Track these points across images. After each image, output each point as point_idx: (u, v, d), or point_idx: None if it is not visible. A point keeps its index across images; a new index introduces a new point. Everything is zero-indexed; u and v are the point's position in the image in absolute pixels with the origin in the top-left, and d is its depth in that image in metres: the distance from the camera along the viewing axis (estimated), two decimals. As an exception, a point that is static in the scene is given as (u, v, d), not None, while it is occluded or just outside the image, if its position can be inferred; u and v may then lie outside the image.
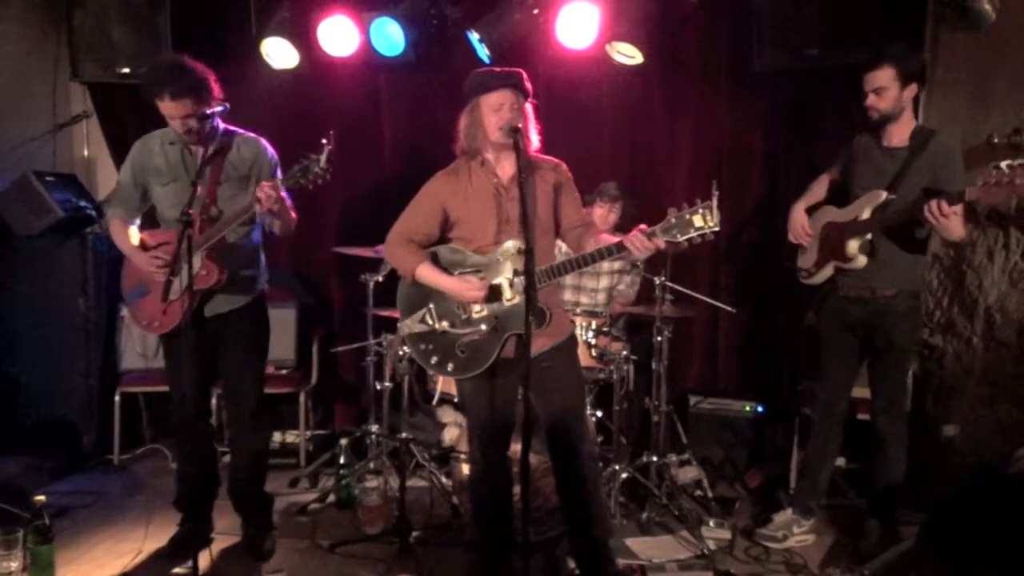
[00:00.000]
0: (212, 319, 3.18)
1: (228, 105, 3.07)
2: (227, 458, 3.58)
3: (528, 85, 2.75)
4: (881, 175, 3.17)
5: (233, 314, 3.23)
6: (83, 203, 4.46)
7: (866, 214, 3.15)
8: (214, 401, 3.95)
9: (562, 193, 2.86)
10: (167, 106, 2.95)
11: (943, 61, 4.01)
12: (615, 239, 2.67)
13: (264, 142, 3.27)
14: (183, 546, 3.16)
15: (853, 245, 3.17)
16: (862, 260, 3.18)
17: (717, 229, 2.47)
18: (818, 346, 3.48)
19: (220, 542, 3.34)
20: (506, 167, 2.80)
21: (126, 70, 4.43)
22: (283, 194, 2.97)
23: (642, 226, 2.56)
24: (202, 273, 3.04)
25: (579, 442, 2.84)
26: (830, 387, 3.44)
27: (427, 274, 2.78)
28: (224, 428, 4.18)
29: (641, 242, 2.54)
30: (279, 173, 3.24)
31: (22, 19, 4.62)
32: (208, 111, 2.98)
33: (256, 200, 2.92)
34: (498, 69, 2.75)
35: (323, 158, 2.88)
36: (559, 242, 3.03)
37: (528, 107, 2.76)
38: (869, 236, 3.15)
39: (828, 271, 3.33)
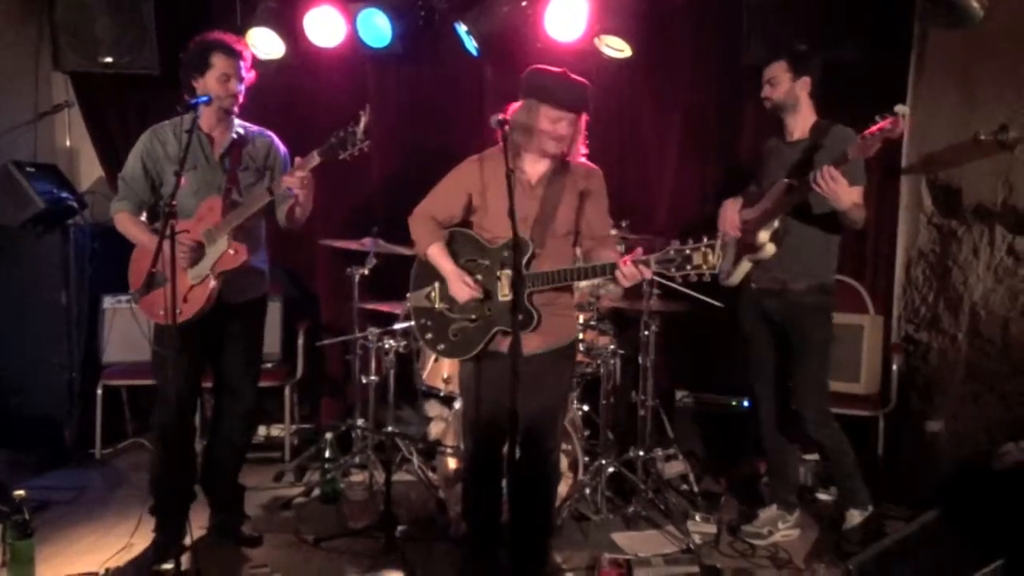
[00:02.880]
0: (225, 310, 3.15)
1: (211, 96, 3.06)
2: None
3: (590, 98, 2.71)
4: (785, 166, 3.27)
5: (247, 306, 3.24)
6: (65, 194, 4.39)
7: (771, 202, 3.24)
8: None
9: (587, 200, 2.81)
10: (224, 64, 3.05)
11: (931, 58, 4.02)
12: (612, 259, 2.61)
13: (275, 137, 3.34)
14: (164, 552, 3.07)
15: (763, 234, 3.25)
16: (771, 248, 3.24)
17: (716, 272, 2.40)
18: (744, 344, 3.53)
19: (201, 539, 3.30)
20: (538, 167, 2.79)
21: (109, 59, 4.38)
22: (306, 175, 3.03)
23: (638, 249, 2.52)
24: (230, 253, 3.05)
25: (549, 448, 2.86)
26: (763, 381, 3.50)
27: (436, 255, 2.82)
28: (204, 423, 4.16)
29: (631, 271, 2.50)
30: (288, 168, 3.27)
31: (2, 8, 4.55)
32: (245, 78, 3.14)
33: (282, 184, 3.01)
34: (567, 82, 2.67)
35: (360, 128, 2.91)
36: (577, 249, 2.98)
37: (583, 119, 2.74)
38: (776, 224, 3.23)
39: (744, 267, 3.39)
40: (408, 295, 2.99)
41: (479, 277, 2.78)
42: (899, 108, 2.78)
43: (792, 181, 3.18)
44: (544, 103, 2.65)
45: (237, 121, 3.24)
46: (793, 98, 3.27)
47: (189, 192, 3.09)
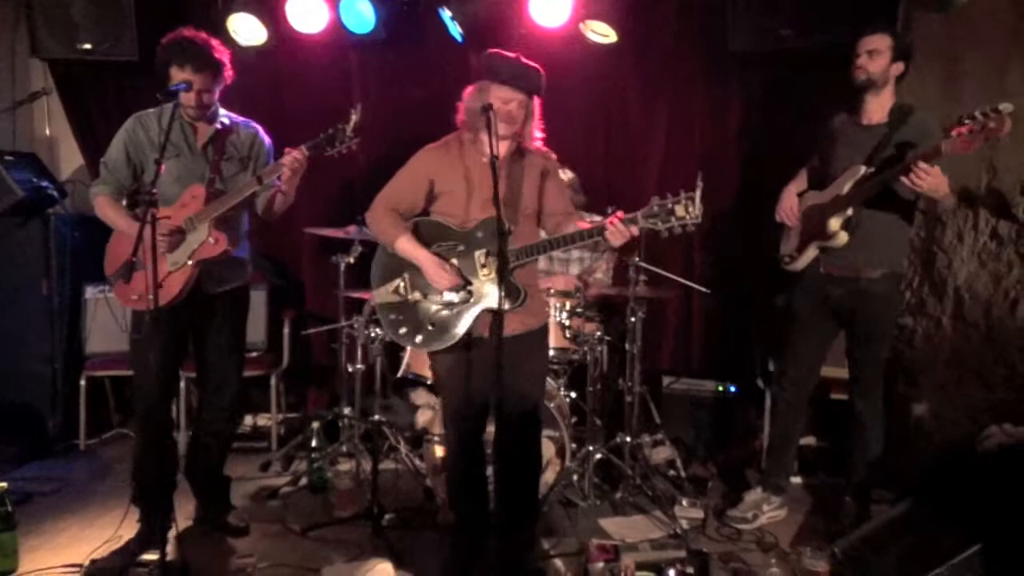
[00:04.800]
0: (204, 299, 3.13)
1: (192, 82, 3.00)
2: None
3: (543, 83, 2.74)
4: (860, 152, 3.17)
5: (227, 296, 3.22)
6: (44, 183, 4.34)
7: (846, 189, 3.14)
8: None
9: (548, 180, 2.88)
10: (181, 76, 2.96)
11: (916, 43, 4.01)
12: (592, 224, 2.71)
13: (260, 129, 3.29)
14: (147, 542, 3.09)
15: (835, 222, 3.17)
16: (843, 236, 3.17)
17: (698, 221, 2.48)
18: (787, 324, 3.48)
19: (187, 529, 3.30)
20: (500, 149, 2.76)
21: (87, 46, 4.32)
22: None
23: (619, 212, 2.59)
24: (210, 242, 3.02)
25: (532, 432, 2.89)
26: (800, 365, 3.46)
27: (407, 247, 2.79)
28: (189, 413, 4.15)
29: (619, 228, 2.56)
30: (272, 160, 3.25)
31: (-22, -7, 4.49)
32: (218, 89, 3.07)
33: (283, 166, 2.97)
34: (519, 64, 2.70)
35: (351, 126, 2.90)
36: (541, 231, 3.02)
37: (536, 103, 2.77)
38: (850, 212, 3.15)
39: (811, 253, 3.32)
40: (372, 293, 2.94)
41: (454, 262, 2.78)
42: (1004, 106, 2.67)
43: (871, 169, 3.09)
44: (494, 83, 2.69)
45: (222, 111, 3.20)
46: (885, 78, 3.13)
47: (171, 180, 3.08)
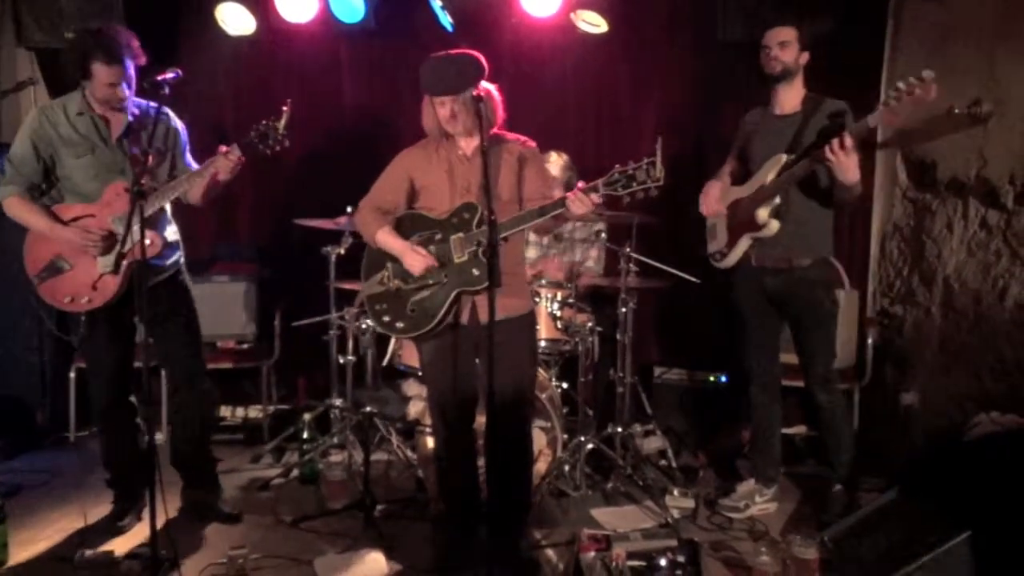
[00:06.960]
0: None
1: (180, 72, 2.94)
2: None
3: (482, 69, 2.73)
4: (779, 140, 3.21)
5: (167, 283, 3.20)
6: (31, 174, 4.30)
7: (770, 178, 3.18)
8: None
9: (527, 166, 2.90)
10: (106, 74, 2.90)
11: (906, 31, 4.03)
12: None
13: (171, 113, 3.21)
14: (123, 513, 3.26)
15: (763, 212, 3.19)
16: (774, 225, 3.19)
17: (660, 183, 2.52)
18: (737, 322, 3.50)
19: (177, 520, 3.30)
20: (471, 142, 2.85)
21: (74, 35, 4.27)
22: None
23: (580, 183, 2.64)
24: (145, 243, 2.97)
25: (521, 420, 2.90)
26: (757, 359, 3.48)
27: (385, 238, 2.88)
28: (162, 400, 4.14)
29: (580, 198, 2.61)
30: (187, 145, 3.24)
31: (-38, -19, 4.43)
32: (134, 79, 2.98)
33: (214, 165, 2.94)
34: (440, 69, 2.70)
35: (282, 123, 2.89)
36: None
37: (493, 88, 2.79)
38: (778, 200, 3.18)
39: (743, 246, 3.33)
40: (360, 288, 3.02)
41: (432, 248, 2.82)
42: (927, 73, 2.69)
43: (791, 157, 3.12)
44: (428, 95, 2.77)
45: (132, 99, 3.09)
46: (797, 67, 3.20)
47: (89, 176, 3.04)
